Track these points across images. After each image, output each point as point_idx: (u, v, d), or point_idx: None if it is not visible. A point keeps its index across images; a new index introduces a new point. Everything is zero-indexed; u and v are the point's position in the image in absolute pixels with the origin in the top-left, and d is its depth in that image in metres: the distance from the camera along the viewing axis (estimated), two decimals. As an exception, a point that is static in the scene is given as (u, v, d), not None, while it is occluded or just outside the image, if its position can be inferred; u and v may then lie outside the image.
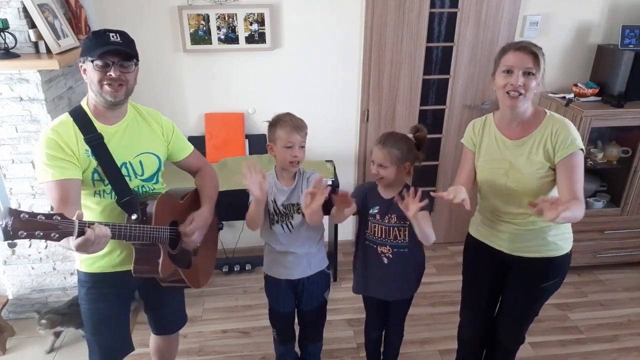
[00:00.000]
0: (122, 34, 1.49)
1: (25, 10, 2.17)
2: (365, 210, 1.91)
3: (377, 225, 1.89)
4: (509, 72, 1.59)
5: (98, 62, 1.43)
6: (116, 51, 1.45)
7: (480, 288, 1.98)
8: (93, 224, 1.28)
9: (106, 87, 1.46)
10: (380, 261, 1.91)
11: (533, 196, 1.66)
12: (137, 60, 1.52)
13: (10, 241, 1.15)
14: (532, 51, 1.57)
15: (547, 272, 1.80)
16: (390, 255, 1.89)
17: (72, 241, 1.25)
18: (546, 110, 1.71)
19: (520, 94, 1.59)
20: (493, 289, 1.95)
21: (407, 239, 1.88)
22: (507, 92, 1.60)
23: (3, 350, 2.48)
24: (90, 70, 1.46)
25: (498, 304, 2.01)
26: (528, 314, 1.93)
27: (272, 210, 1.85)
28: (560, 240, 1.77)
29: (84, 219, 1.29)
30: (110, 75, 1.45)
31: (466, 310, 2.08)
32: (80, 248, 1.26)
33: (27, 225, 1.15)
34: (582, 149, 1.61)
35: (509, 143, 1.70)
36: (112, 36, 1.46)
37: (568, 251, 1.79)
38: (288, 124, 1.76)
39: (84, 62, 1.48)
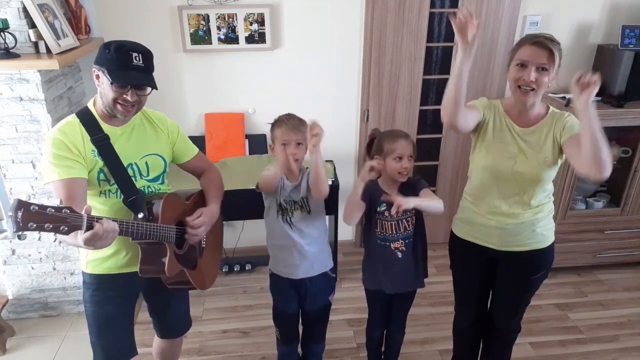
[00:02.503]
0: (145, 55, 1.47)
1: (25, 10, 2.17)
2: (373, 209, 1.91)
3: (386, 222, 1.89)
4: (522, 65, 1.59)
5: (116, 84, 1.44)
6: (137, 79, 1.45)
7: (470, 285, 2.01)
8: (101, 218, 1.29)
9: (119, 107, 1.47)
10: (395, 257, 1.91)
11: (537, 182, 1.71)
12: (155, 88, 1.51)
13: (20, 232, 1.17)
14: (547, 47, 1.56)
15: (537, 264, 1.85)
16: (404, 248, 1.91)
17: (80, 236, 1.26)
18: (549, 105, 1.75)
19: (533, 89, 1.59)
20: (483, 283, 1.98)
21: (414, 227, 1.91)
22: (519, 86, 1.61)
23: (3, 350, 2.48)
24: (105, 86, 1.46)
25: (490, 295, 2.03)
26: (521, 304, 1.97)
27: (278, 202, 1.85)
28: (546, 230, 1.81)
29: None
30: (126, 98, 1.45)
31: (459, 305, 2.12)
32: (89, 242, 1.27)
33: (37, 218, 1.16)
34: None
35: (518, 129, 1.71)
36: (135, 58, 1.44)
37: (553, 240, 1.84)
38: (284, 123, 1.79)
39: (99, 70, 1.47)
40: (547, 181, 1.74)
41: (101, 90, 1.49)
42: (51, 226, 1.18)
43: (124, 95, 1.45)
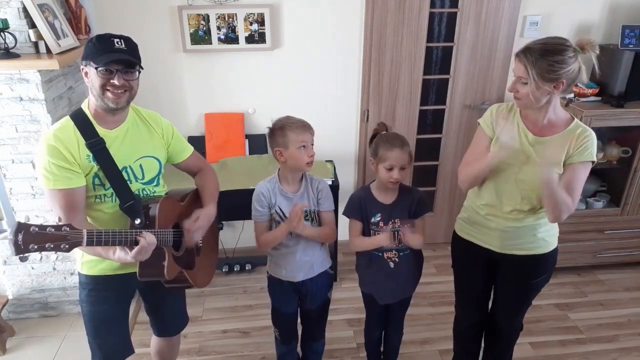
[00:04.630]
0: (127, 40, 1.47)
1: (25, 10, 2.16)
2: (366, 220, 1.89)
3: (381, 232, 1.87)
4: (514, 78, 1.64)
5: (102, 69, 1.43)
6: (121, 60, 1.44)
7: (471, 286, 2.01)
8: (140, 232, 1.38)
9: (108, 94, 1.46)
10: (387, 266, 1.90)
11: (538, 192, 1.67)
12: (141, 67, 1.51)
13: (21, 255, 1.17)
14: (522, 61, 1.58)
15: (538, 269, 1.84)
16: (397, 259, 1.89)
17: (123, 255, 1.39)
18: (574, 117, 1.71)
19: (518, 98, 1.63)
20: (484, 283, 1.98)
21: None
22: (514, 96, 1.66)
23: (3, 350, 2.48)
24: (92, 75, 1.45)
25: (492, 295, 2.03)
26: (522, 306, 1.97)
27: (278, 218, 1.84)
28: (548, 236, 1.80)
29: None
30: (114, 82, 1.44)
31: (460, 305, 2.12)
32: (137, 256, 1.39)
33: (37, 239, 1.17)
34: (593, 162, 1.65)
35: (531, 137, 1.69)
36: (117, 42, 1.44)
37: (555, 246, 1.83)
38: (297, 124, 1.74)
39: (86, 66, 1.47)
40: None
41: (90, 85, 1.47)
42: (52, 245, 1.20)
43: (112, 80, 1.44)
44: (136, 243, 1.36)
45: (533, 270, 1.83)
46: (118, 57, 1.43)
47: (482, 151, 1.77)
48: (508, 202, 1.74)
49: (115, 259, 1.43)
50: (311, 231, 1.84)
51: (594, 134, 1.66)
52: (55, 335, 2.59)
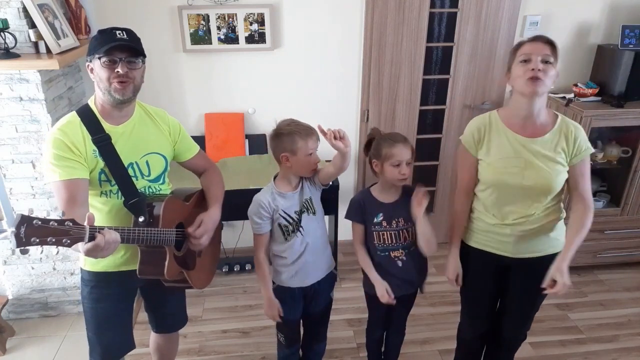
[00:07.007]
0: (129, 32, 1.50)
1: (25, 10, 2.17)
2: (369, 221, 1.88)
3: (385, 232, 1.87)
4: (527, 60, 1.57)
5: (105, 59, 1.43)
6: (123, 47, 1.45)
7: (480, 296, 1.97)
8: (103, 229, 1.28)
9: (115, 85, 1.46)
10: (394, 265, 1.89)
11: (549, 193, 1.68)
12: (144, 57, 1.52)
13: (22, 248, 1.16)
14: (548, 40, 1.58)
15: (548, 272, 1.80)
16: (404, 257, 1.89)
17: (81, 246, 1.26)
18: (556, 112, 1.71)
19: (539, 79, 1.54)
20: (493, 293, 1.94)
21: (414, 236, 1.88)
22: (528, 79, 1.55)
23: (3, 351, 2.48)
24: (97, 68, 1.46)
25: (498, 304, 2.00)
26: (530, 312, 1.94)
27: (286, 222, 1.82)
28: (560, 235, 1.79)
29: (105, 224, 1.32)
30: (118, 71, 1.44)
31: (466, 314, 2.07)
32: (90, 253, 1.27)
33: (39, 232, 1.16)
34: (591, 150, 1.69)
35: (524, 140, 1.66)
36: (119, 33, 1.46)
37: None
38: (306, 131, 1.72)
39: (91, 61, 1.48)
40: (559, 188, 1.70)
41: (97, 80, 1.48)
42: (54, 239, 1.18)
43: (116, 70, 1.44)
44: (92, 239, 1.25)
45: (544, 274, 1.77)
46: (119, 44, 1.44)
47: (471, 175, 1.78)
48: (519, 208, 1.71)
49: (82, 252, 1.32)
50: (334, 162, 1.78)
51: (580, 126, 1.69)
52: (55, 335, 2.60)
